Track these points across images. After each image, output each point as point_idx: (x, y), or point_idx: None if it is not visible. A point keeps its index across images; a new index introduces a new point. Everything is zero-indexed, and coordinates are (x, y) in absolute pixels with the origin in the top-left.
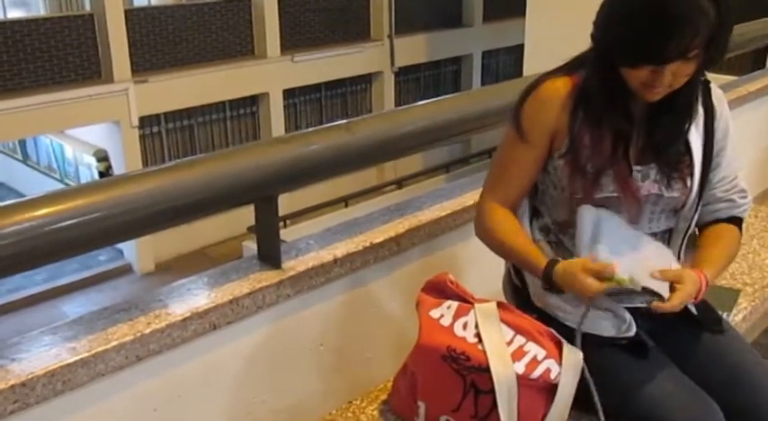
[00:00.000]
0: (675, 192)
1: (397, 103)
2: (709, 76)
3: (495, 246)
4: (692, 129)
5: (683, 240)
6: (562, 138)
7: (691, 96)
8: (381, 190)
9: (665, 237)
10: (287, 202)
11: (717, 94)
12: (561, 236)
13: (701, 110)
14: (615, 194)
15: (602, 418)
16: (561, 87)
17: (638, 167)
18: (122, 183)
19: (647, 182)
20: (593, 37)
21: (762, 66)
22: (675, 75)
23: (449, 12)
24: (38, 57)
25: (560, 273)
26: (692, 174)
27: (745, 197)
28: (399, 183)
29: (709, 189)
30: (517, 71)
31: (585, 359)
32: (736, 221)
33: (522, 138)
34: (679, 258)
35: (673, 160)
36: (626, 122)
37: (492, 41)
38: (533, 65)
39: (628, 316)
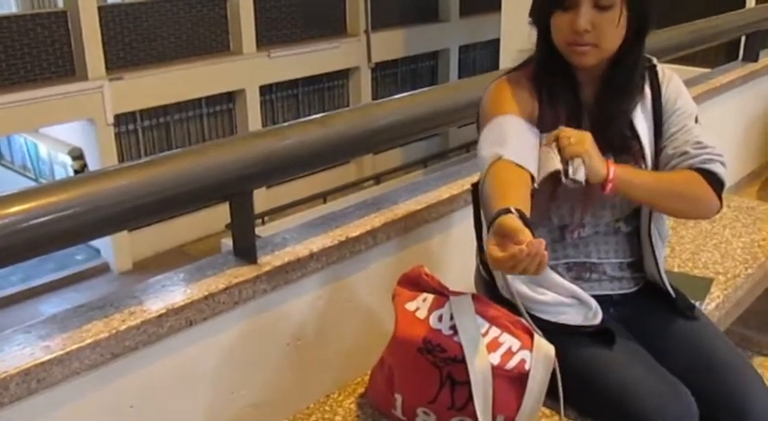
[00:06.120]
0: None
1: (375, 98)
2: (684, 69)
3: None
4: (639, 111)
5: (649, 221)
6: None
7: (631, 74)
8: (360, 185)
9: (631, 221)
10: (265, 199)
11: (663, 73)
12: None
13: (648, 92)
14: None
15: (562, 404)
16: (521, 78)
17: None
18: (95, 180)
19: None
20: (530, 14)
21: (734, 58)
22: (595, 27)
23: (425, 7)
24: (10, 55)
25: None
26: (644, 157)
27: (701, 148)
28: (377, 179)
29: (665, 151)
30: (494, 65)
31: (554, 348)
32: (702, 172)
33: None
34: (650, 239)
35: (622, 144)
36: (570, 92)
37: (469, 36)
38: (509, 59)
39: (594, 303)
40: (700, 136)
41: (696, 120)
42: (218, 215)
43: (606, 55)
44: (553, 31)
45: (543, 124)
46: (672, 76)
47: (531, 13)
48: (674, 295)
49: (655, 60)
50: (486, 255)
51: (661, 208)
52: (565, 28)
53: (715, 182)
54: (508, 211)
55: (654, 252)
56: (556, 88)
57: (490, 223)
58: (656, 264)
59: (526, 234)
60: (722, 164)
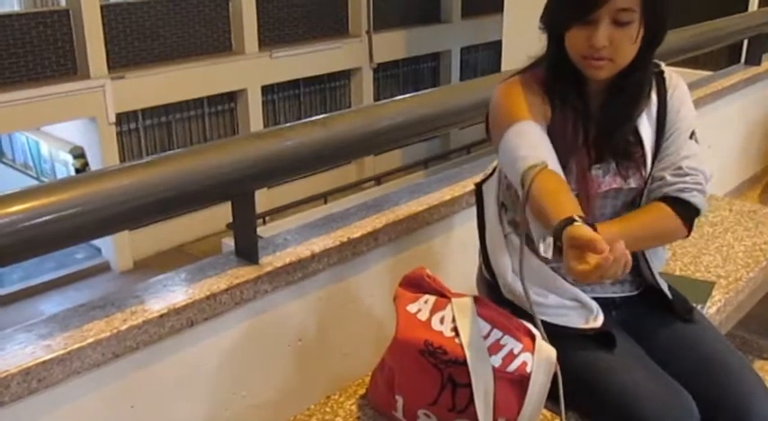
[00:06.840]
0: (634, 183)
1: (376, 99)
2: (686, 71)
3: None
4: (644, 118)
5: None
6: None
7: (640, 80)
8: (360, 186)
9: None
10: (266, 199)
11: (670, 79)
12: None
13: (654, 98)
14: (576, 192)
15: (563, 407)
16: (531, 82)
17: (598, 165)
18: (97, 180)
19: (608, 176)
20: (541, 19)
21: (737, 61)
22: (612, 42)
23: (427, 8)
24: (12, 53)
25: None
26: (645, 163)
27: (680, 175)
28: (378, 180)
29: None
30: (495, 67)
31: (555, 351)
32: (672, 201)
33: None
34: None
35: (625, 150)
36: (580, 101)
37: (471, 37)
38: (511, 60)
39: (595, 306)
40: (687, 157)
41: (692, 135)
42: (219, 215)
43: (620, 68)
44: (568, 43)
45: (553, 130)
46: (678, 83)
47: (545, 21)
48: (671, 297)
49: (663, 65)
50: (489, 258)
51: (636, 249)
52: (582, 42)
53: (685, 211)
54: (573, 220)
55: (645, 255)
56: (567, 96)
57: (556, 234)
58: (650, 268)
59: (602, 241)
60: (699, 192)
